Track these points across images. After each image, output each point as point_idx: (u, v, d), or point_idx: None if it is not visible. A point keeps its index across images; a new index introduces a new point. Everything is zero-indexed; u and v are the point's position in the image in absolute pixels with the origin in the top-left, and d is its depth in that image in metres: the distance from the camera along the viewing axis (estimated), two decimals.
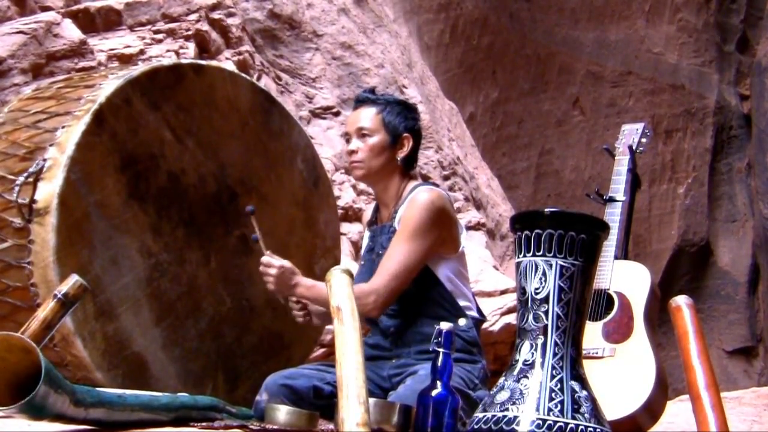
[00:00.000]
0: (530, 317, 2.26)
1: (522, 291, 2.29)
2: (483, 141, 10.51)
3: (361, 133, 3.08)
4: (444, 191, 3.13)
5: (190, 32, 5.49)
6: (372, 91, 3.22)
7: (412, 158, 3.14)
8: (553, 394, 2.19)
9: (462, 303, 3.01)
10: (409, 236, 2.93)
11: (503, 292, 5.59)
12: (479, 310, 3.09)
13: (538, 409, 2.17)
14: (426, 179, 6.25)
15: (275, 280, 2.98)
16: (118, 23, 5.43)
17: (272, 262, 2.99)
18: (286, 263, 2.99)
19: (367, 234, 3.21)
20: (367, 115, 3.10)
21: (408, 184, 3.10)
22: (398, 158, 3.08)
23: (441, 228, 2.97)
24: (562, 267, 2.25)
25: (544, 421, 2.15)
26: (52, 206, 2.78)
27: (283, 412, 2.61)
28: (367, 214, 3.31)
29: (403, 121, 3.10)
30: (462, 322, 2.97)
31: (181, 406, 2.55)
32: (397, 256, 2.93)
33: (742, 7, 13.36)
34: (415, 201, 2.98)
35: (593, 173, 12.03)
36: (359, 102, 3.16)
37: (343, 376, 2.08)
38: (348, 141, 3.14)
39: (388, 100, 3.16)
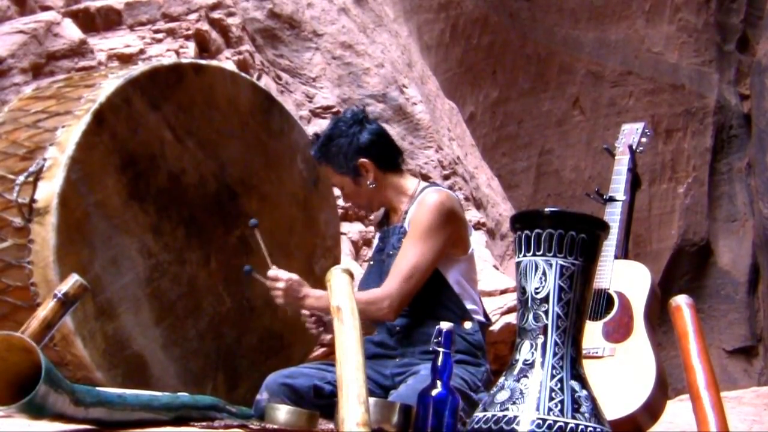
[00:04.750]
0: (530, 317, 2.26)
1: (522, 290, 2.29)
2: (483, 141, 10.51)
3: (335, 186, 3.24)
4: (452, 192, 3.13)
5: (190, 32, 5.49)
6: (316, 138, 3.13)
7: (387, 161, 3.08)
8: (553, 394, 2.19)
9: (469, 306, 3.01)
10: (420, 238, 2.93)
11: (503, 292, 5.59)
12: (486, 314, 3.09)
13: (538, 409, 2.17)
14: (426, 179, 6.25)
15: (284, 293, 2.96)
16: (118, 23, 5.42)
17: (279, 276, 2.97)
18: (294, 276, 2.98)
19: (377, 235, 3.23)
20: (327, 173, 3.18)
21: (416, 184, 3.10)
22: (369, 184, 3.06)
23: (451, 229, 2.97)
24: (562, 267, 2.25)
25: (544, 420, 2.15)
26: (52, 206, 2.78)
27: (283, 412, 2.61)
28: (378, 215, 3.32)
29: (346, 153, 3.03)
30: (468, 325, 2.97)
31: (182, 406, 2.55)
32: (409, 259, 2.93)
33: (742, 7, 13.37)
34: (425, 202, 2.98)
35: (593, 173, 12.03)
36: (317, 159, 3.13)
37: (343, 375, 2.08)
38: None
39: (324, 142, 3.07)
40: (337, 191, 3.46)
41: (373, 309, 2.87)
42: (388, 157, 3.10)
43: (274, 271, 2.98)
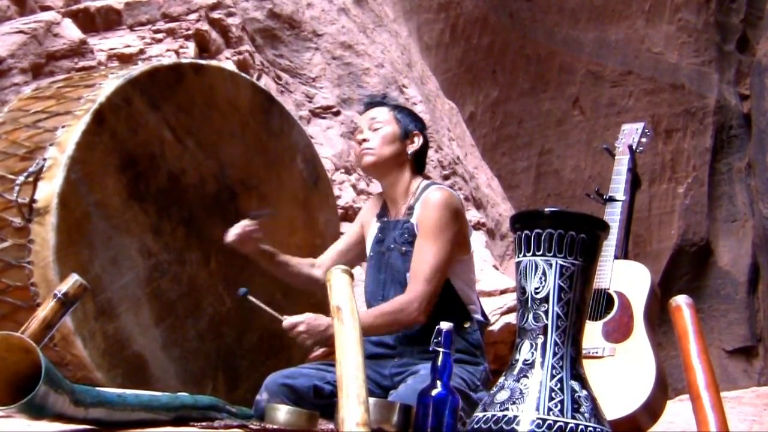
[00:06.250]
0: (530, 317, 2.26)
1: (522, 290, 2.29)
2: (483, 141, 10.51)
3: (374, 124, 3.14)
4: (453, 191, 3.16)
5: (190, 32, 5.48)
6: (383, 97, 3.36)
7: (421, 159, 3.19)
8: (553, 394, 2.19)
9: (468, 306, 3.02)
10: (434, 236, 2.96)
11: (503, 292, 5.59)
12: (484, 314, 3.10)
13: (538, 409, 2.17)
14: (426, 179, 6.24)
15: (308, 335, 2.90)
16: (118, 23, 5.42)
17: (294, 322, 2.92)
18: (307, 314, 2.93)
19: (376, 225, 3.18)
20: (380, 111, 3.18)
21: (419, 181, 3.12)
22: (408, 152, 3.13)
23: (458, 225, 3.01)
24: (562, 266, 2.25)
25: (544, 420, 2.15)
26: (52, 206, 2.78)
27: (283, 412, 2.61)
28: (368, 208, 3.29)
29: (413, 121, 3.19)
30: (466, 324, 2.98)
31: (182, 406, 2.55)
32: (427, 259, 2.95)
33: (742, 7, 13.37)
34: (431, 201, 3.00)
35: (593, 173, 12.03)
36: (371, 104, 3.24)
37: (343, 375, 2.08)
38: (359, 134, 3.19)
39: (399, 105, 3.33)
40: (338, 190, 3.45)
41: (403, 316, 2.89)
42: (424, 156, 3.22)
43: (289, 321, 2.92)
